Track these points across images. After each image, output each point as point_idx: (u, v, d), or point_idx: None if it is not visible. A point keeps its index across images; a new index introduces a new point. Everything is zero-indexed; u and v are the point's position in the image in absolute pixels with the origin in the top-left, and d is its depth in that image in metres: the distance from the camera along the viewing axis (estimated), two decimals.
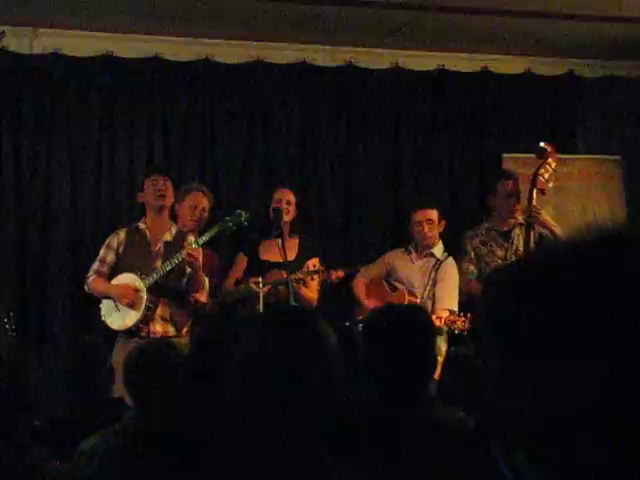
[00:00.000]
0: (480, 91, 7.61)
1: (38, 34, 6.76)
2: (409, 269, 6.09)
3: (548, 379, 0.82)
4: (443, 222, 6.07)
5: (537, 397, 0.82)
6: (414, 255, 6.10)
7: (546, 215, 5.84)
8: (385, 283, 6.18)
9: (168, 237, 5.53)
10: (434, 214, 6.01)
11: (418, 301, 5.83)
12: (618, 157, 7.65)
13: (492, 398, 0.88)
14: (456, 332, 5.53)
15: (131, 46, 6.93)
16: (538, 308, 0.84)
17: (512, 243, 5.98)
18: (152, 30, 6.84)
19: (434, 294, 5.93)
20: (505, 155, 7.27)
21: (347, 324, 6.00)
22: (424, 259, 6.07)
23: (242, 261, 6.04)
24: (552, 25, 6.88)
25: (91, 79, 6.83)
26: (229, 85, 7.10)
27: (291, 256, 5.77)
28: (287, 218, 5.92)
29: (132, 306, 5.30)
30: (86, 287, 5.53)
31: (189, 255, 5.19)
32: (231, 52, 7.13)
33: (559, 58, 7.71)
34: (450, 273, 5.97)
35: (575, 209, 7.35)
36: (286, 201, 5.95)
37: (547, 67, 7.77)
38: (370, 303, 6.02)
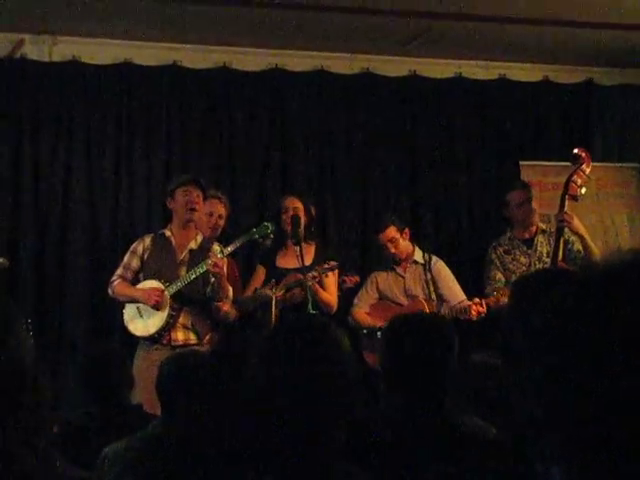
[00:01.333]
0: (497, 99, 7.60)
1: (57, 42, 6.79)
2: (401, 282, 6.13)
3: (571, 392, 0.82)
4: (406, 230, 6.15)
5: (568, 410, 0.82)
6: (399, 269, 6.15)
7: (578, 222, 5.84)
8: (388, 302, 6.16)
9: (193, 245, 5.51)
10: (392, 232, 6.07)
11: (434, 304, 5.88)
12: (636, 165, 7.62)
13: (523, 407, 0.88)
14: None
15: (149, 54, 6.96)
16: (571, 325, 0.84)
17: (535, 250, 5.98)
18: (170, 38, 6.86)
19: (441, 294, 6.01)
20: (523, 163, 7.24)
21: (365, 332, 6.00)
22: (411, 268, 6.14)
23: (261, 272, 6.00)
24: (569, 33, 6.86)
25: (109, 86, 6.86)
26: (247, 92, 7.11)
27: (308, 262, 5.74)
28: None
29: (159, 308, 5.29)
30: (110, 291, 5.52)
31: (214, 265, 5.19)
32: (249, 60, 7.15)
33: (577, 66, 7.70)
34: (444, 269, 6.10)
35: (593, 217, 7.32)
36: (293, 208, 5.89)
37: (565, 75, 7.75)
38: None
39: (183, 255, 5.49)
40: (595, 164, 7.51)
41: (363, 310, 6.18)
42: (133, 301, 5.41)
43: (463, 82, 7.53)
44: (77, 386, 3.92)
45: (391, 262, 6.15)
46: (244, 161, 7.08)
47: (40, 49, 6.78)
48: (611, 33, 6.87)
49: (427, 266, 6.06)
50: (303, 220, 5.85)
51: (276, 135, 7.17)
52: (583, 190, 5.80)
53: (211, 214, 5.78)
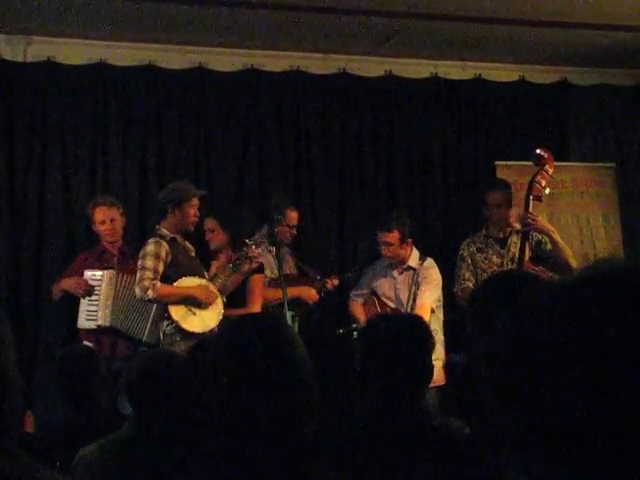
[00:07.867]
0: (473, 99, 7.62)
1: (32, 42, 6.76)
2: (393, 284, 6.17)
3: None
4: (408, 241, 6.08)
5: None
6: (395, 271, 6.16)
7: (543, 220, 5.89)
8: (376, 300, 6.21)
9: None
10: (391, 237, 6.01)
11: None
12: (612, 164, 7.66)
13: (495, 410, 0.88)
14: None
15: (125, 54, 6.93)
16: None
17: (509, 250, 6.00)
18: (146, 38, 6.84)
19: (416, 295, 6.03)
20: (498, 163, 7.27)
21: (340, 332, 6.01)
22: (404, 273, 6.15)
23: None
24: (545, 33, 6.90)
25: (85, 87, 6.82)
26: (223, 93, 7.10)
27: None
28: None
29: (211, 304, 5.37)
30: (150, 294, 5.24)
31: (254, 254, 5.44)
32: (225, 60, 7.14)
33: (552, 66, 7.74)
34: (429, 275, 6.06)
35: (568, 217, 7.37)
36: (209, 230, 5.87)
37: (540, 75, 7.80)
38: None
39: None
40: (571, 164, 7.57)
41: (359, 301, 6.30)
42: (185, 301, 5.35)
43: (439, 82, 7.55)
44: (54, 390, 3.91)
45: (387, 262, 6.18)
46: (220, 161, 7.06)
47: (15, 49, 6.74)
48: (586, 33, 6.91)
49: (416, 274, 6.06)
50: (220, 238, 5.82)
51: (252, 135, 7.15)
52: (547, 190, 5.84)
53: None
